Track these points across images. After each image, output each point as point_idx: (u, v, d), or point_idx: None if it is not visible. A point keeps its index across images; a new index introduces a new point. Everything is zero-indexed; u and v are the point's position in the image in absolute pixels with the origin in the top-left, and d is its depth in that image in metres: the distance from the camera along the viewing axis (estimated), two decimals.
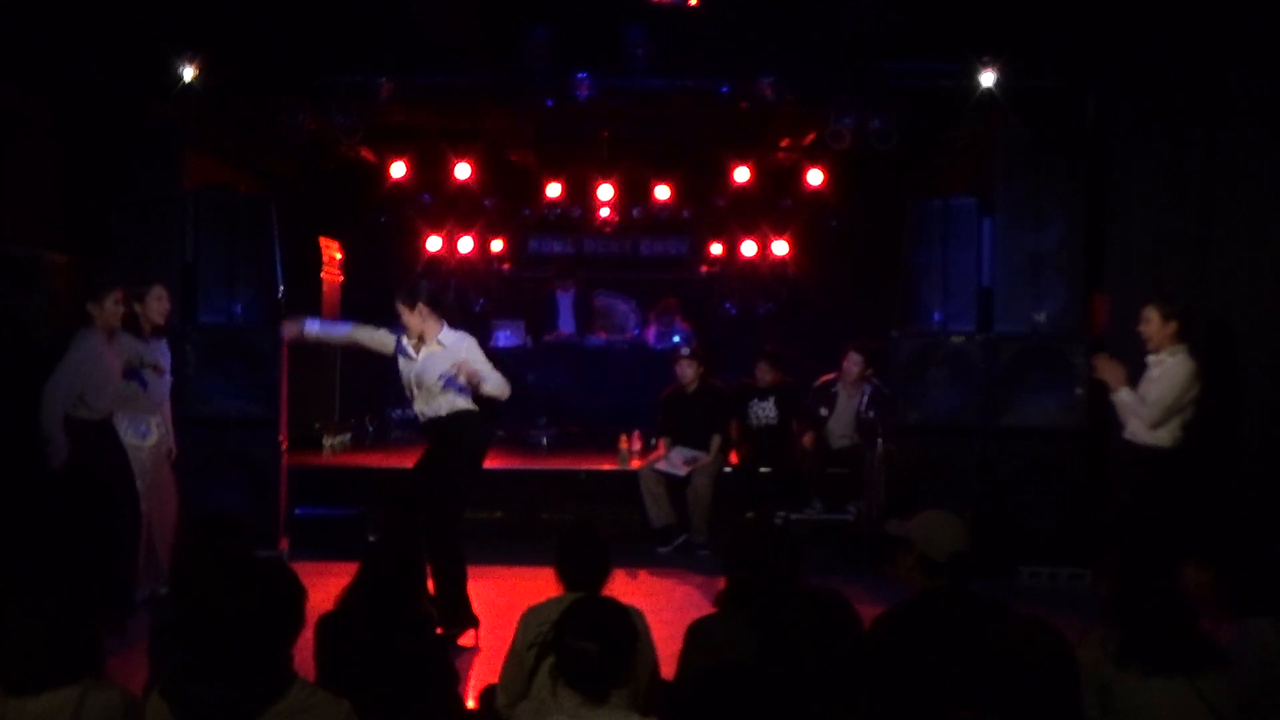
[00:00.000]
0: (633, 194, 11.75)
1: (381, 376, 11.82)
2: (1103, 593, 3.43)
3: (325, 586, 3.87)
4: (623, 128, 10.05)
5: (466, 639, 5.77)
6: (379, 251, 11.96)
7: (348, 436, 10.47)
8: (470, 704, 4.19)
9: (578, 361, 11.45)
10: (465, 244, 12.12)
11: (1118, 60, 7.57)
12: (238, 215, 8.08)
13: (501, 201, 12.08)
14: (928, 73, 8.08)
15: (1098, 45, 7.45)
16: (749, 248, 12.23)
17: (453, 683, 3.78)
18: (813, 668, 2.71)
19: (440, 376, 5.91)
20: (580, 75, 8.10)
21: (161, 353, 6.56)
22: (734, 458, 8.64)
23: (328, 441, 10.11)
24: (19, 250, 6.86)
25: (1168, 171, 6.96)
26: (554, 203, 11.85)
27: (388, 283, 11.88)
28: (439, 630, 5.26)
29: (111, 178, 7.72)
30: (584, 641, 2.72)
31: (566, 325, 11.84)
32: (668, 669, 3.63)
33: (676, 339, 11.08)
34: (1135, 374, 6.18)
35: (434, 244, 12.05)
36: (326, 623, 3.56)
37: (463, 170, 11.01)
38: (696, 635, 3.47)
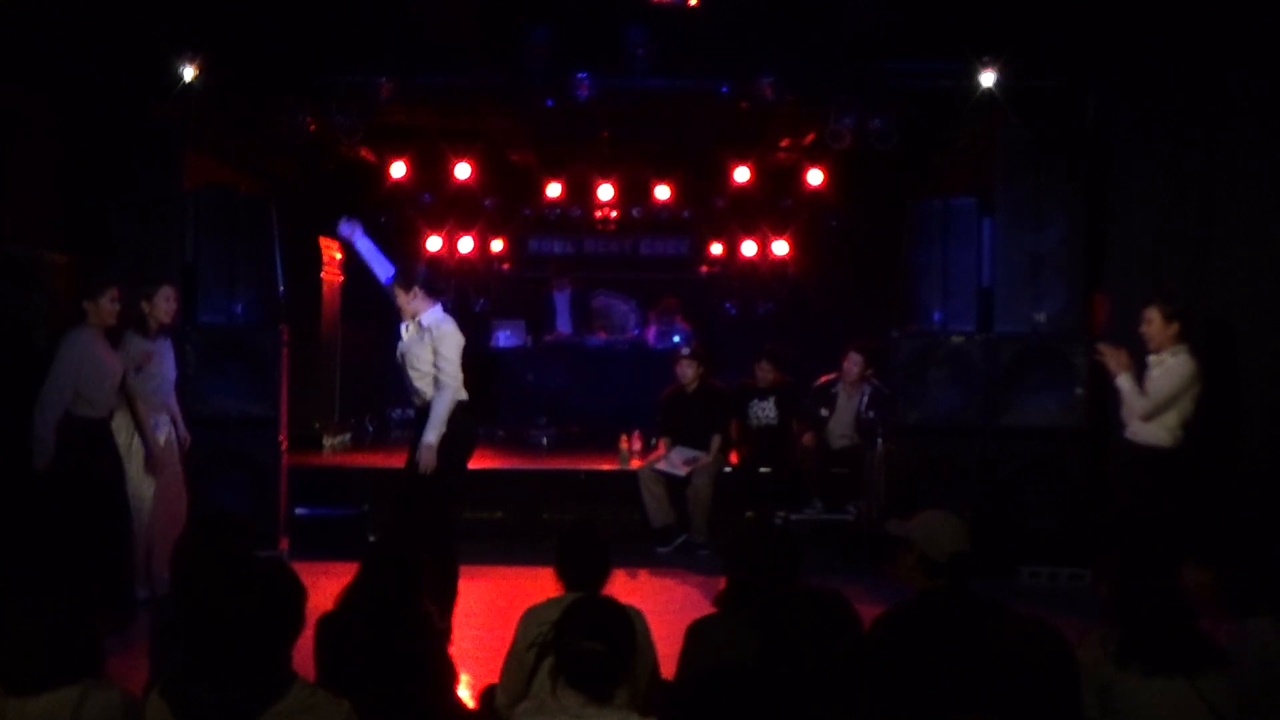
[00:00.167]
0: (633, 194, 11.74)
1: (382, 376, 11.88)
2: (1103, 593, 3.43)
3: (325, 586, 3.87)
4: (623, 128, 10.05)
5: (468, 631, 5.77)
6: (379, 251, 11.94)
7: (348, 436, 10.47)
8: (470, 704, 4.19)
9: (578, 361, 11.45)
10: (465, 244, 12.12)
11: (1118, 60, 7.57)
12: (238, 215, 8.08)
13: (501, 201, 12.07)
14: (928, 73, 8.08)
15: (1098, 45, 7.45)
16: (749, 248, 12.23)
17: (453, 683, 3.77)
18: (813, 668, 2.70)
19: (425, 360, 5.87)
20: (580, 75, 8.10)
21: (166, 351, 6.57)
22: (734, 458, 8.64)
23: (328, 441, 10.11)
24: (19, 250, 6.86)
25: (1168, 171, 6.96)
26: (554, 203, 11.85)
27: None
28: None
29: (111, 178, 7.71)
30: (589, 641, 2.72)
31: (564, 325, 11.85)
32: (668, 669, 3.63)
33: (676, 339, 11.08)
34: (1136, 374, 6.19)
35: (434, 244, 12.04)
36: (326, 623, 3.56)
37: (463, 170, 11.01)
38: (696, 635, 3.46)
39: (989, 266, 7.83)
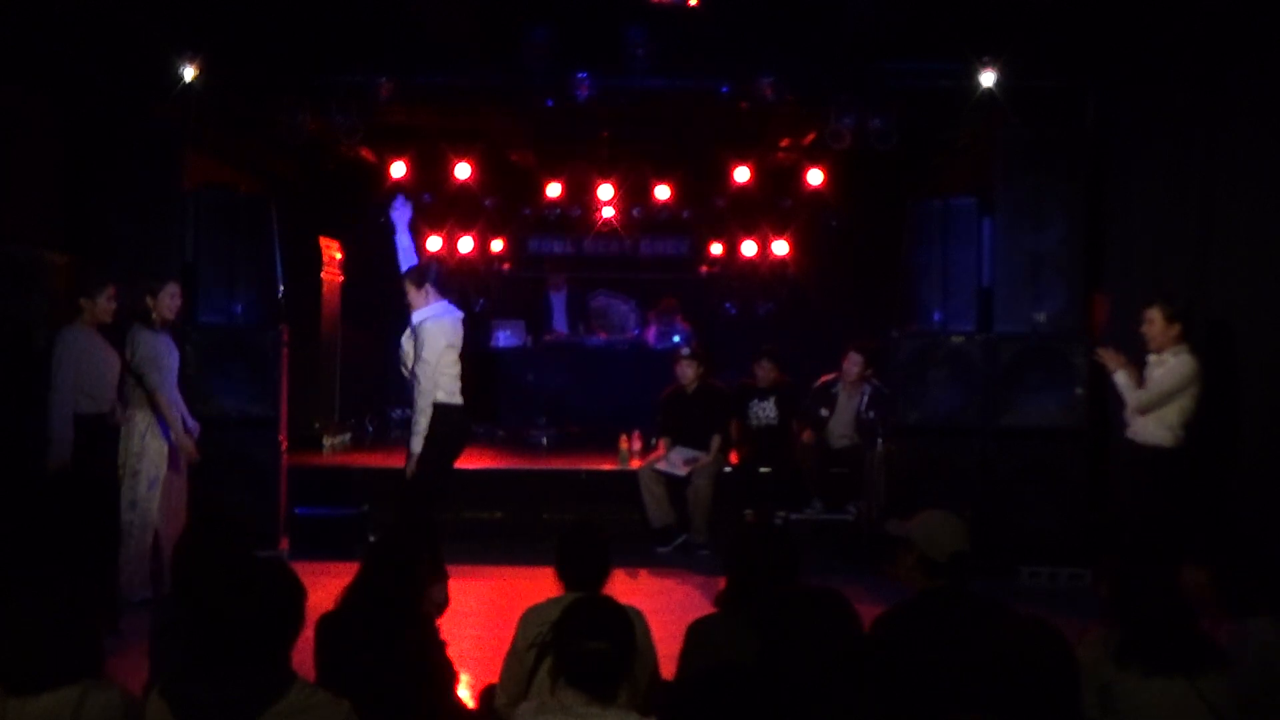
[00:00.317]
0: (633, 194, 11.74)
1: (382, 376, 11.88)
2: (1103, 593, 3.43)
3: (325, 586, 3.87)
4: (623, 128, 10.05)
5: (468, 631, 5.76)
6: (379, 251, 11.91)
7: (348, 436, 10.47)
8: (470, 704, 4.19)
9: (578, 361, 11.46)
10: (465, 244, 12.12)
11: (1118, 60, 7.57)
12: (238, 215, 8.08)
13: (501, 201, 12.07)
14: (928, 73, 8.08)
15: (1098, 45, 7.45)
16: (749, 248, 12.23)
17: (452, 683, 3.77)
18: (813, 668, 2.71)
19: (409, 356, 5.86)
20: (580, 75, 8.10)
21: (169, 347, 6.58)
22: (734, 458, 8.64)
23: (328, 441, 10.11)
24: (19, 250, 6.86)
25: (1168, 171, 6.96)
26: (554, 203, 11.85)
27: (388, 283, 11.98)
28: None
29: (111, 178, 7.72)
30: (593, 641, 2.72)
31: (560, 324, 11.86)
32: (668, 669, 3.63)
33: (676, 339, 11.08)
34: (1135, 374, 6.19)
35: (434, 244, 12.04)
36: (326, 623, 3.56)
37: (463, 170, 11.00)
38: (696, 635, 3.47)
39: (989, 266, 7.83)
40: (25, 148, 7.38)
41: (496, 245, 12.43)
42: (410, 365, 5.92)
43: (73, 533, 5.75)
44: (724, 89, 8.43)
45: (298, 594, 2.82)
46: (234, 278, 7.99)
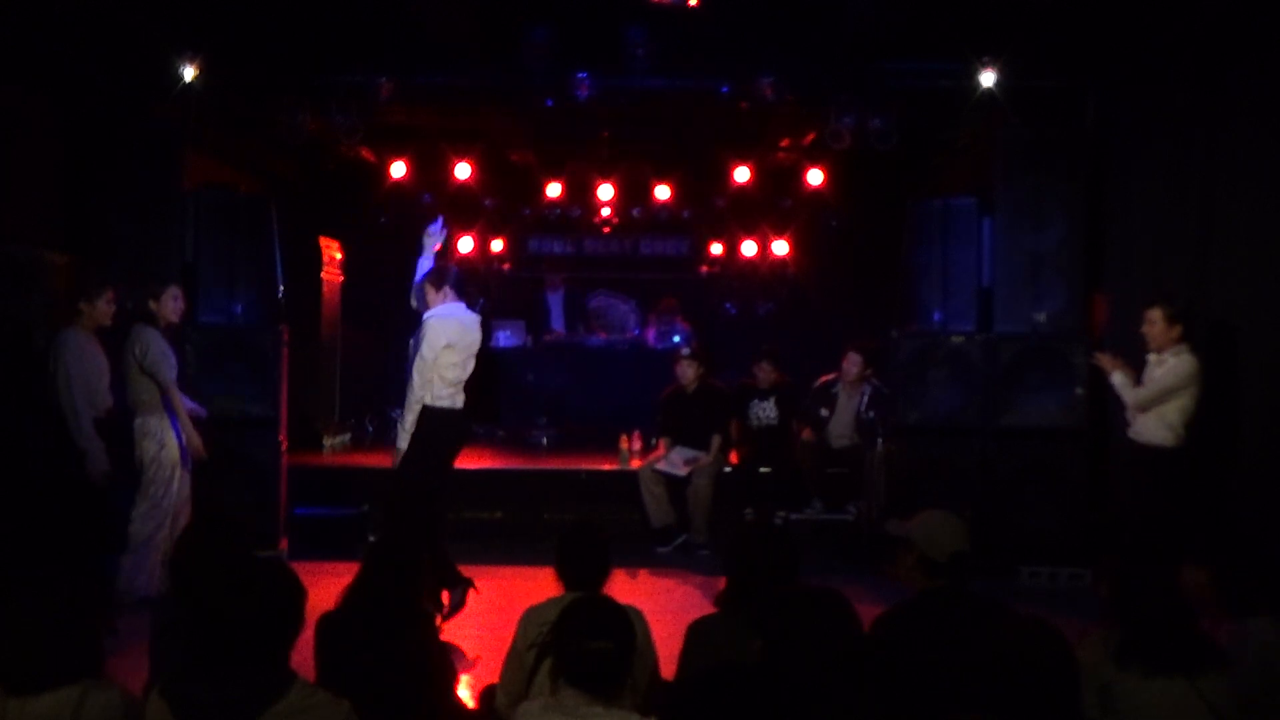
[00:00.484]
0: (633, 194, 11.74)
1: (382, 376, 11.88)
2: (1103, 593, 3.43)
3: (325, 586, 3.87)
4: (623, 128, 10.05)
5: (470, 638, 5.78)
6: (379, 251, 11.95)
7: (348, 436, 10.47)
8: (470, 704, 4.19)
9: (578, 361, 11.45)
10: (465, 244, 12.12)
11: (1118, 60, 7.57)
12: (238, 215, 8.08)
13: (501, 201, 12.08)
14: (928, 73, 8.08)
15: (1098, 45, 7.45)
16: (749, 248, 12.24)
17: (453, 682, 3.77)
18: (813, 668, 2.71)
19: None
20: (580, 75, 8.10)
21: (171, 349, 6.59)
22: (734, 458, 8.64)
23: (328, 441, 10.11)
24: (19, 250, 6.86)
25: (1168, 171, 6.96)
26: (554, 203, 11.85)
27: (388, 283, 11.99)
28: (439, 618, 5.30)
29: (111, 178, 7.71)
30: (597, 641, 2.72)
31: (558, 324, 11.85)
32: (668, 669, 3.63)
33: (676, 339, 11.08)
34: (1136, 373, 6.19)
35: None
36: (326, 623, 3.56)
37: (463, 170, 11.00)
38: (696, 635, 3.47)
39: (989, 266, 7.83)
40: (25, 148, 7.39)
41: (496, 245, 12.44)
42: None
43: (73, 533, 5.75)
44: (724, 89, 8.43)
45: (298, 594, 2.82)
46: (234, 278, 7.99)
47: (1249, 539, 3.96)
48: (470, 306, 6.08)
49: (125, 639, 5.00)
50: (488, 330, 11.37)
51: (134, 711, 2.76)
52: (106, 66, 7.62)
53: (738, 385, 8.90)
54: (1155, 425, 6.00)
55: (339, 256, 11.29)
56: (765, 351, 8.88)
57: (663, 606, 6.11)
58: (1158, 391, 5.94)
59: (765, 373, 8.74)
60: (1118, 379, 6.17)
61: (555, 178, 11.53)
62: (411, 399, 5.80)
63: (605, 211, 11.97)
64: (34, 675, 2.71)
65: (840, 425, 8.50)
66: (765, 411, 8.68)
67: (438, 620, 4.24)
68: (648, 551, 7.95)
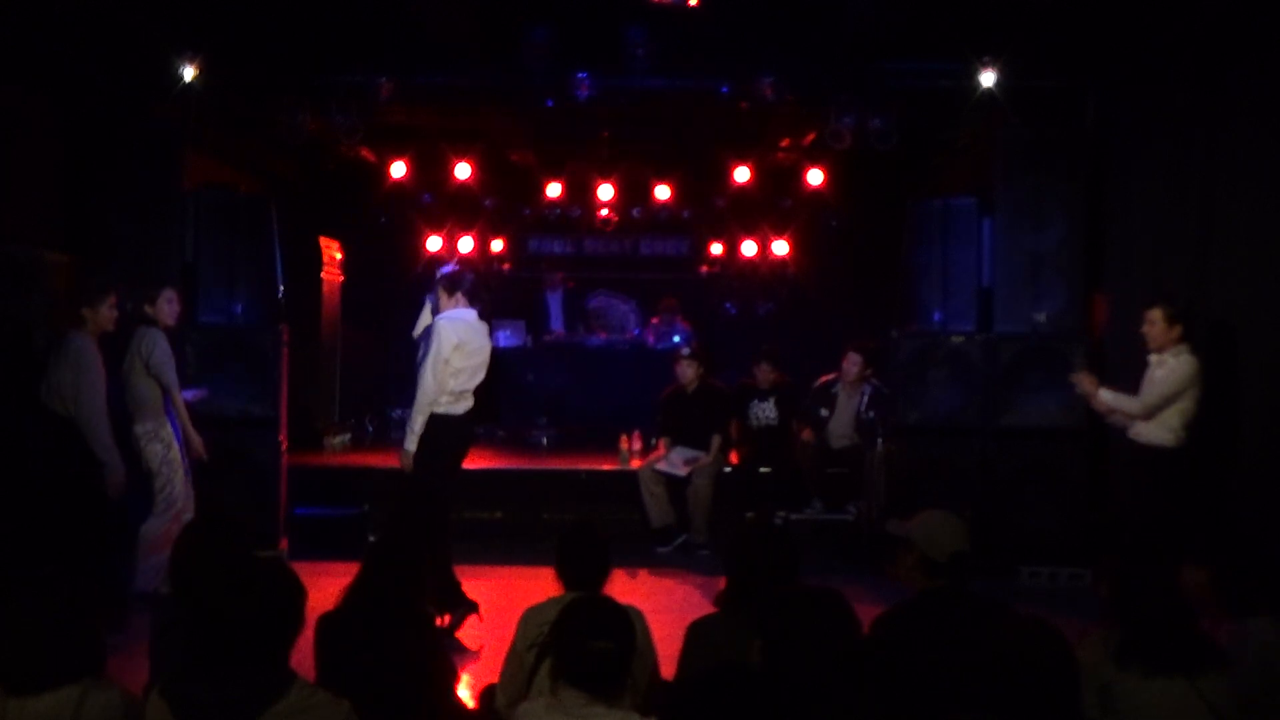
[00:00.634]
0: (633, 194, 11.74)
1: (382, 376, 11.88)
2: (1103, 593, 3.43)
3: (325, 586, 3.86)
4: (623, 128, 10.05)
5: (471, 635, 5.78)
6: (379, 251, 11.96)
7: (348, 436, 10.47)
8: (470, 704, 4.19)
9: (578, 361, 11.45)
10: (465, 244, 12.12)
11: (1118, 60, 7.57)
12: (238, 215, 8.08)
13: (501, 201, 12.08)
14: (928, 73, 8.08)
15: (1098, 45, 7.45)
16: (749, 248, 12.24)
17: (453, 682, 3.77)
18: (813, 668, 2.71)
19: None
20: (580, 75, 8.10)
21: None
22: (734, 458, 8.64)
23: (328, 441, 10.11)
24: (19, 250, 6.86)
25: (1168, 171, 6.96)
26: (554, 203, 11.85)
27: (388, 283, 12.01)
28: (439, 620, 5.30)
29: (111, 178, 7.72)
30: (597, 641, 2.72)
31: (557, 324, 11.85)
32: (668, 669, 3.63)
33: (676, 339, 11.08)
34: (1136, 373, 6.19)
35: (434, 244, 12.05)
36: (326, 623, 3.56)
37: (463, 170, 11.01)
38: (696, 635, 3.47)
39: (989, 266, 7.83)
40: (25, 148, 7.38)
41: (496, 245, 12.44)
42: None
43: (74, 535, 5.75)
44: (724, 89, 8.42)
45: (298, 594, 2.82)
46: (234, 278, 7.99)
47: (1249, 539, 3.96)
48: (482, 315, 6.06)
49: (127, 637, 5.01)
50: (488, 330, 11.43)
51: (134, 711, 2.76)
52: (106, 66, 7.62)
53: (738, 385, 8.90)
54: (1155, 426, 5.99)
55: (339, 256, 11.30)
56: (765, 351, 8.88)
57: (663, 606, 6.11)
58: (1159, 398, 5.92)
59: (765, 373, 8.74)
60: (1108, 396, 6.14)
61: (555, 178, 11.53)
62: (422, 401, 5.76)
63: (605, 211, 11.97)
64: (34, 675, 2.71)
65: (840, 425, 8.50)
66: (765, 411, 8.68)
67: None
68: (648, 551, 7.95)
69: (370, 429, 11.11)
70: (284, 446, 7.82)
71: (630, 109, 9.08)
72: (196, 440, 6.50)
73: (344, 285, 11.33)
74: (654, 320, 11.75)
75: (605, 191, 11.54)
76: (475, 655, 5.58)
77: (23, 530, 5.95)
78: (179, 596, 3.52)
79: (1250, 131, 6.10)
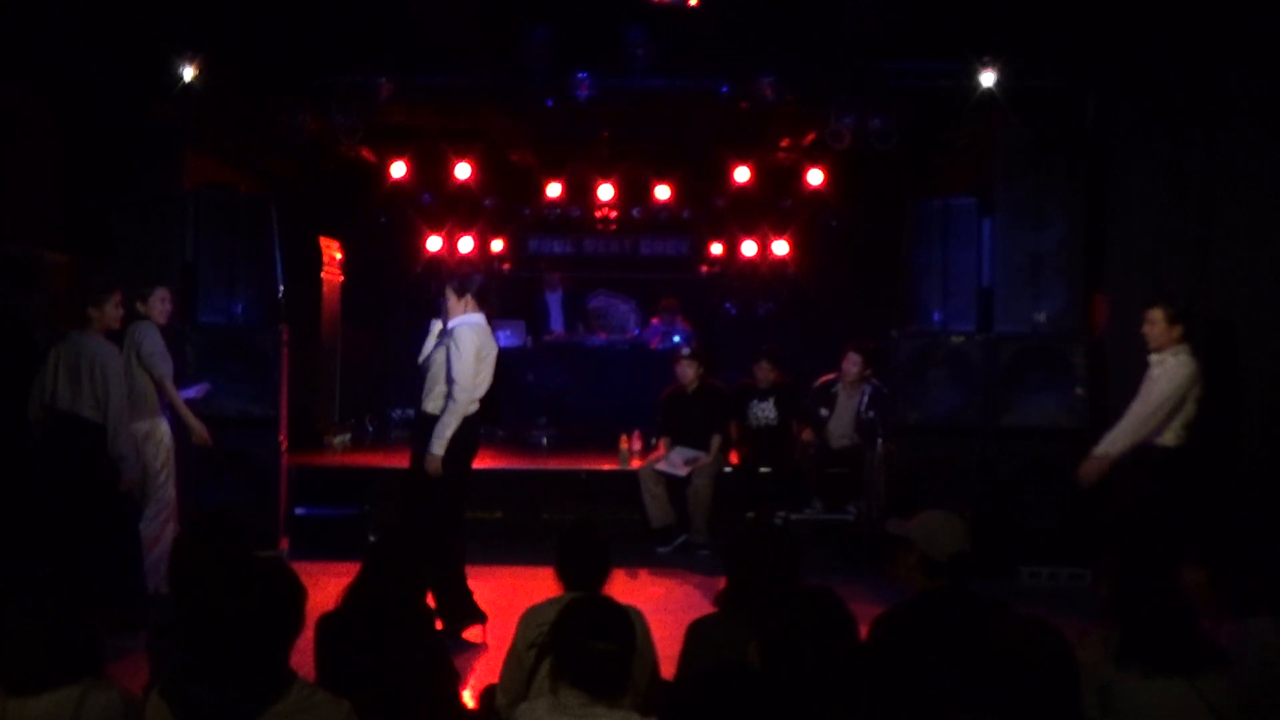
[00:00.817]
0: (633, 194, 11.74)
1: (382, 376, 11.89)
2: (1103, 593, 3.43)
3: (325, 586, 3.87)
4: (623, 128, 10.05)
5: (474, 634, 5.78)
6: (379, 251, 11.97)
7: (348, 436, 10.47)
8: (470, 704, 4.19)
9: (578, 361, 11.45)
10: (465, 244, 12.13)
11: (1118, 60, 7.57)
12: (238, 215, 8.09)
13: (501, 201, 12.08)
14: (928, 73, 8.08)
15: (1098, 45, 7.45)
16: (749, 248, 12.24)
17: (453, 683, 3.77)
18: (812, 667, 2.71)
19: (439, 365, 5.81)
20: (580, 75, 8.10)
21: None
22: (734, 458, 8.63)
23: (328, 441, 10.12)
24: (19, 250, 6.86)
25: (1168, 171, 6.95)
26: (554, 203, 11.86)
27: (388, 283, 12.02)
28: (439, 626, 5.30)
29: (111, 178, 7.72)
30: (599, 642, 2.72)
31: (557, 325, 11.85)
32: (668, 669, 3.63)
33: (676, 339, 11.08)
34: (1136, 373, 6.18)
35: (434, 244, 12.05)
36: (326, 623, 3.56)
37: (463, 170, 11.01)
38: (696, 635, 3.47)
39: (989, 266, 7.83)
40: (25, 148, 7.39)
41: (496, 245, 12.44)
42: (435, 372, 5.85)
43: (75, 533, 5.75)
44: (724, 89, 8.43)
45: (298, 594, 2.82)
46: (234, 278, 7.99)
47: (1249, 539, 3.96)
48: (490, 318, 6.04)
49: (138, 641, 5.00)
50: None
51: (134, 711, 2.76)
52: (106, 66, 7.62)
53: (737, 385, 8.90)
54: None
55: (339, 256, 11.30)
56: (765, 351, 8.88)
57: (663, 606, 6.11)
58: (1156, 406, 5.87)
59: (765, 372, 8.74)
60: (1115, 448, 5.93)
61: (555, 178, 11.53)
62: (458, 409, 5.72)
63: (605, 211, 11.97)
64: (34, 675, 2.71)
65: (840, 425, 8.50)
66: (765, 411, 8.68)
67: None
68: (648, 551, 7.95)
69: (370, 429, 11.11)
70: (284, 446, 7.83)
71: (630, 109, 9.09)
72: (198, 427, 6.50)
73: (344, 285, 11.33)
74: (654, 320, 11.75)
75: (605, 191, 11.54)
76: (476, 654, 5.58)
77: (23, 530, 5.95)
78: (179, 596, 3.52)
79: (1250, 131, 6.10)
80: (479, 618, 5.85)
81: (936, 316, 7.96)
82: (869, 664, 2.87)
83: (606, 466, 8.89)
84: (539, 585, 4.00)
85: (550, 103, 8.58)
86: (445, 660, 3.74)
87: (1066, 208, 7.64)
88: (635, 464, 8.62)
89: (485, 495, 8.24)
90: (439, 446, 5.68)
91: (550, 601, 3.60)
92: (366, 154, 10.67)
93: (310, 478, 8.51)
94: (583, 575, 3.72)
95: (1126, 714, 3.02)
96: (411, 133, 10.24)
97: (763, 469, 8.50)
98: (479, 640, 5.77)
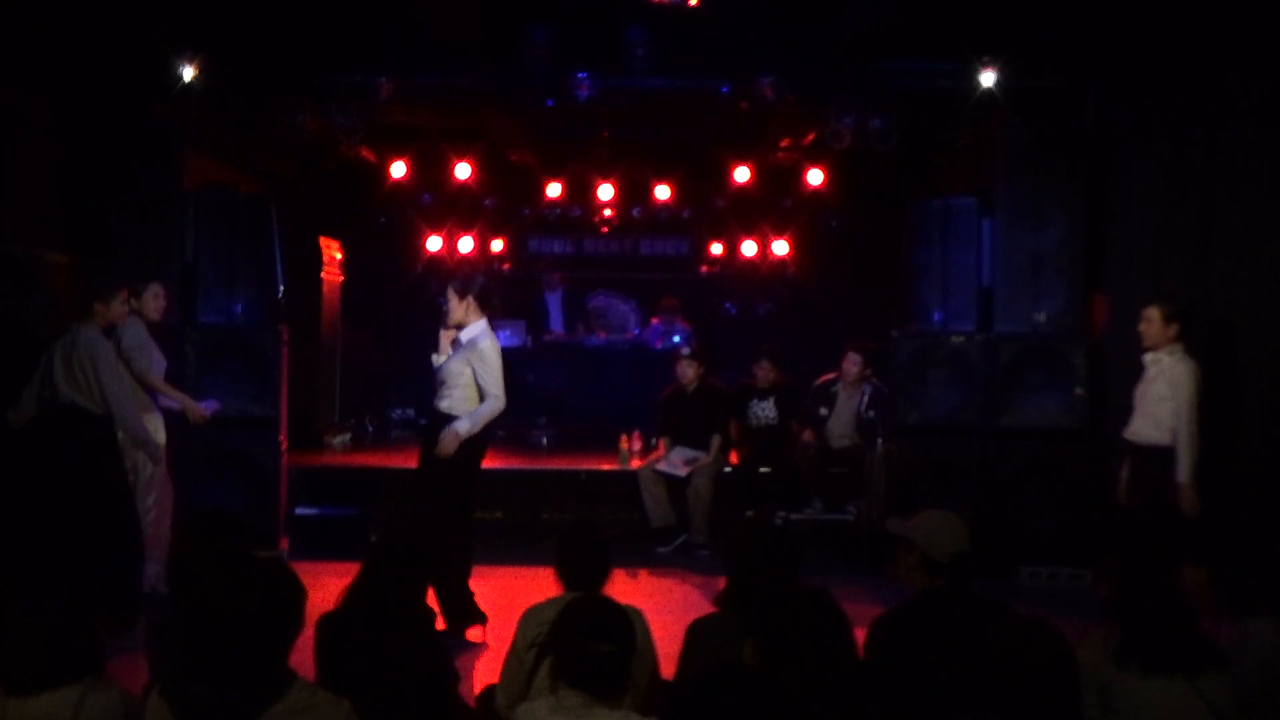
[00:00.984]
0: (633, 194, 11.74)
1: (382, 376, 11.88)
2: (1103, 593, 3.43)
3: (325, 586, 3.87)
4: (623, 128, 10.05)
5: (474, 634, 5.78)
6: (379, 251, 11.96)
7: (348, 436, 10.47)
8: (470, 704, 4.19)
9: (578, 361, 11.45)
10: (465, 244, 12.13)
11: (1118, 60, 7.57)
12: (238, 215, 8.09)
13: (501, 201, 12.08)
14: (928, 73, 8.08)
15: (1098, 45, 7.45)
16: (749, 248, 12.24)
17: (453, 683, 3.77)
18: (811, 667, 2.71)
19: (455, 373, 5.84)
20: (580, 75, 8.10)
21: (154, 347, 6.59)
22: (734, 458, 8.63)
23: (328, 441, 10.12)
24: (19, 250, 6.86)
25: (1168, 171, 6.95)
26: (554, 203, 11.85)
27: (388, 283, 12.01)
28: (440, 626, 5.30)
29: (111, 178, 7.72)
30: (600, 643, 2.72)
31: (557, 325, 11.85)
32: (668, 669, 3.63)
33: (676, 339, 11.08)
34: (1135, 374, 6.18)
35: (434, 244, 12.05)
36: (326, 623, 3.56)
37: (463, 170, 11.01)
38: (696, 635, 3.47)
39: (989, 266, 7.83)
40: (25, 148, 7.39)
41: (496, 245, 12.44)
42: (449, 380, 5.87)
43: (75, 533, 5.75)
44: (724, 89, 8.42)
45: (298, 594, 2.82)
46: (234, 278, 7.99)
47: (1249, 539, 3.96)
48: (493, 320, 6.06)
49: (132, 638, 5.01)
50: None
51: (134, 711, 2.76)
52: (106, 66, 7.62)
53: (737, 385, 8.89)
54: (1154, 426, 5.98)
55: (339, 256, 11.30)
56: (765, 351, 8.87)
57: (663, 606, 6.12)
58: (1189, 408, 5.75)
59: (765, 372, 8.74)
60: (1188, 464, 5.77)
61: (555, 178, 11.53)
62: (498, 405, 5.78)
63: (605, 211, 11.97)
64: (34, 675, 2.71)
65: (840, 425, 8.50)
66: (765, 411, 8.68)
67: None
68: (648, 551, 7.95)
69: (370, 429, 11.11)
70: (284, 446, 7.82)
71: (630, 109, 9.08)
72: (191, 404, 6.50)
73: (344, 285, 11.33)
74: (654, 320, 11.75)
75: (605, 191, 11.54)
76: (476, 654, 5.58)
77: (23, 530, 5.94)
78: (178, 596, 3.52)
79: (1250, 131, 6.10)
80: (479, 618, 5.85)
81: (936, 316, 7.96)
82: (867, 664, 2.87)
83: (606, 466, 8.89)
84: (539, 585, 4.00)
85: (550, 103, 8.58)
86: (445, 660, 3.74)
87: (1066, 208, 7.64)
88: (635, 464, 8.62)
89: (485, 495, 8.20)
90: (465, 427, 5.69)
91: (550, 601, 3.60)
92: (366, 154, 10.67)
93: (310, 478, 8.51)
94: (583, 575, 3.72)
95: (1126, 714, 3.02)
96: (411, 133, 10.24)
97: (763, 469, 8.50)
98: (479, 640, 5.77)
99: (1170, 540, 5.27)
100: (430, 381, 6.08)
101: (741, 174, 11.05)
